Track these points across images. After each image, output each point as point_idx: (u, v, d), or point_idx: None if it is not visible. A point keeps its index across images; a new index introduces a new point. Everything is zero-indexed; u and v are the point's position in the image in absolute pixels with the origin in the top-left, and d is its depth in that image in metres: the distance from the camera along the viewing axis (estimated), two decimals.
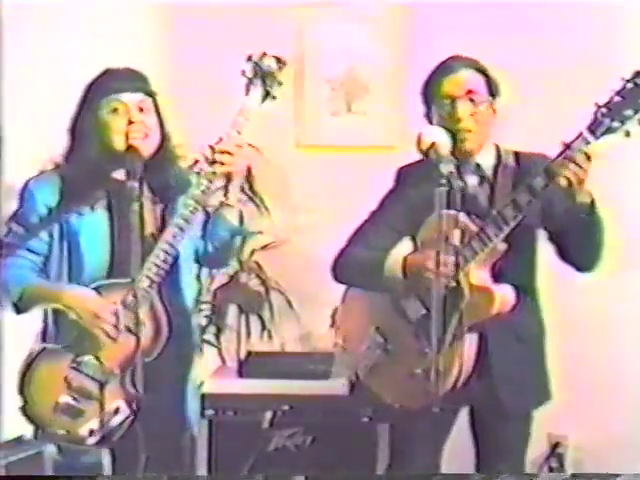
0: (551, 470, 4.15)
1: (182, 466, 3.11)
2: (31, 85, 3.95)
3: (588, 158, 2.77)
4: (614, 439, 4.07)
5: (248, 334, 4.26)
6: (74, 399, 2.93)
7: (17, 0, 3.86)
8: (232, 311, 4.24)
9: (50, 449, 3.02)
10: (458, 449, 3.16)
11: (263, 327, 4.27)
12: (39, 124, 3.91)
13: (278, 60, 2.99)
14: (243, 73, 2.99)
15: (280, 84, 2.99)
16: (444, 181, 2.73)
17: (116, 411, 2.92)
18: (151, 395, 2.84)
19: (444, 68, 3.04)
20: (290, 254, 4.27)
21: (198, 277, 3.18)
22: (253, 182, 4.09)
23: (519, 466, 3.14)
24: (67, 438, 2.94)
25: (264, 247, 4.22)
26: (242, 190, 3.10)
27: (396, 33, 4.32)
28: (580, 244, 2.90)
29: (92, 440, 2.92)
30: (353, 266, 3.10)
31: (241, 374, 3.98)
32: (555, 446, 4.21)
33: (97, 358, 2.93)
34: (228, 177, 2.95)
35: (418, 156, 2.98)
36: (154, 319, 2.93)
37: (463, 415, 3.15)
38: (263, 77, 2.97)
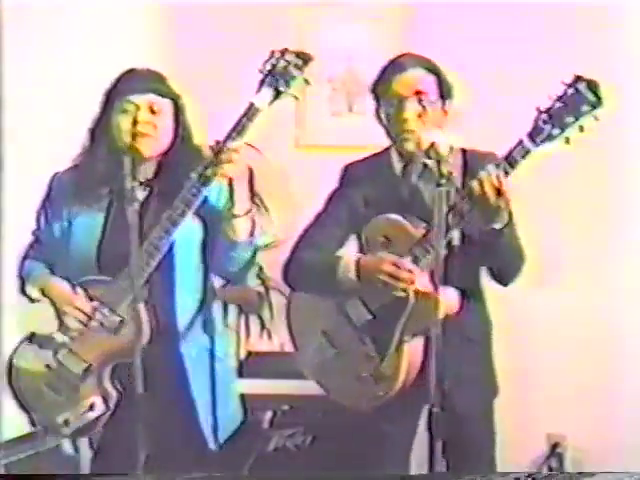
0: (551, 470, 4.16)
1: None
2: (31, 86, 3.95)
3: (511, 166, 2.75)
4: (614, 439, 4.07)
5: (248, 334, 4.26)
6: (51, 387, 2.97)
7: (17, 1, 3.86)
8: (232, 311, 4.24)
9: (66, 446, 3.06)
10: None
11: (263, 327, 4.27)
12: (39, 124, 3.91)
13: (297, 56, 2.90)
14: (261, 71, 2.90)
15: (307, 82, 2.89)
16: (444, 181, 2.70)
17: (91, 407, 2.93)
18: (148, 395, 2.83)
19: (394, 66, 3.00)
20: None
21: (204, 281, 3.08)
22: (253, 182, 4.08)
23: (489, 466, 3.08)
24: (47, 424, 3.00)
25: (264, 247, 4.21)
26: (251, 197, 2.99)
27: (396, 33, 4.32)
28: (495, 260, 2.91)
29: (67, 430, 2.96)
30: (305, 271, 3.08)
31: (241, 374, 3.98)
32: (555, 446, 4.22)
33: (74, 350, 2.95)
34: (230, 184, 2.87)
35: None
36: (136, 320, 2.87)
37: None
38: (277, 76, 2.87)
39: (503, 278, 2.98)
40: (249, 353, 4.11)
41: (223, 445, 3.06)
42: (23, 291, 3.09)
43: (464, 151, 3.01)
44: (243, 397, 3.21)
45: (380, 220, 2.95)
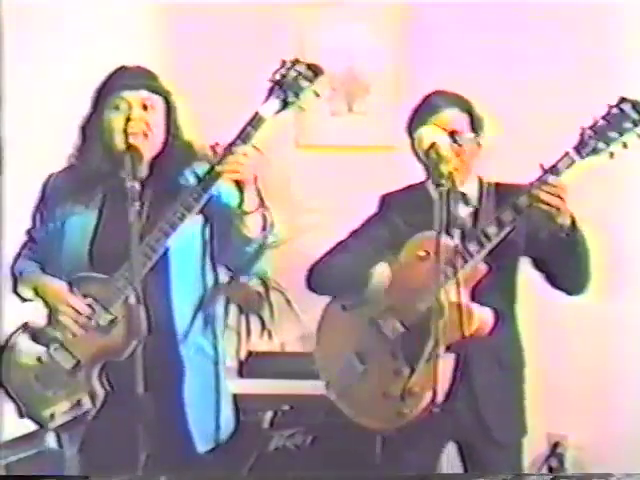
0: (551, 470, 4.16)
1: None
2: (31, 85, 3.95)
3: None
4: (614, 439, 4.07)
5: (248, 334, 4.26)
6: (39, 380, 2.97)
7: (17, 0, 3.86)
8: (232, 311, 4.24)
9: (51, 443, 3.06)
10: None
11: (263, 327, 4.26)
12: (39, 124, 3.91)
13: (308, 67, 2.87)
14: (271, 80, 2.87)
15: (317, 95, 2.88)
16: (443, 181, 2.76)
17: (78, 403, 2.93)
18: (148, 395, 2.80)
19: (429, 106, 3.07)
20: (290, 254, 4.26)
21: (203, 278, 3.05)
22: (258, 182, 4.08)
23: None
24: (33, 416, 2.99)
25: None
26: (259, 195, 2.95)
27: (396, 33, 4.32)
28: (565, 266, 2.93)
29: (52, 424, 2.96)
30: (336, 274, 3.10)
31: (241, 374, 3.98)
32: (555, 446, 4.22)
33: (65, 346, 2.95)
34: (239, 185, 2.86)
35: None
36: (128, 320, 2.86)
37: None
38: (286, 86, 2.86)
39: (577, 284, 3.01)
40: (249, 353, 4.10)
41: (215, 449, 3.02)
42: (15, 290, 3.08)
43: (497, 185, 3.10)
44: (237, 404, 3.16)
45: (420, 236, 2.99)
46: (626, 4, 4.02)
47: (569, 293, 3.03)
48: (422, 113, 3.07)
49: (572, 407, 4.09)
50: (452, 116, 3.04)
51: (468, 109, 3.07)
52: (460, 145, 3.01)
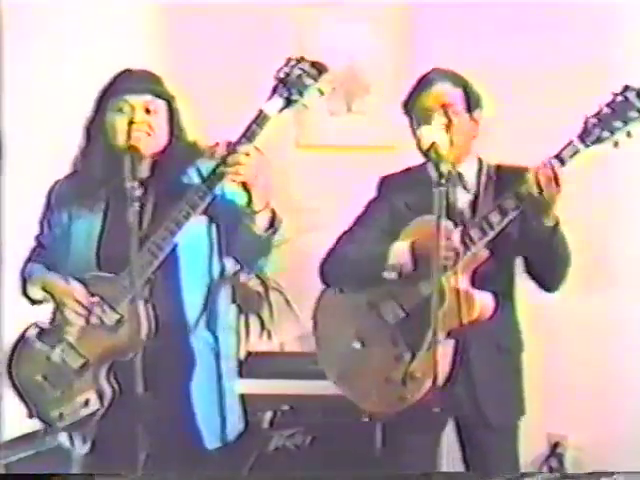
0: (551, 470, 4.16)
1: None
2: (31, 86, 3.95)
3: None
4: (614, 439, 4.07)
5: (247, 334, 4.26)
6: (48, 379, 2.98)
7: (17, 0, 3.86)
8: (232, 311, 4.23)
9: (64, 442, 3.06)
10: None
11: (262, 327, 4.27)
12: (39, 124, 3.91)
13: (313, 65, 2.89)
14: (276, 78, 2.88)
15: (321, 93, 2.89)
16: (443, 181, 2.75)
17: (86, 402, 2.94)
18: (151, 394, 2.81)
19: (423, 82, 3.07)
20: (290, 254, 4.26)
21: (210, 276, 3.05)
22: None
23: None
24: (42, 416, 2.99)
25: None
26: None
27: (396, 33, 4.33)
28: (542, 263, 2.94)
29: (61, 424, 2.97)
30: (346, 265, 3.09)
31: (240, 374, 3.97)
32: (555, 446, 4.22)
33: (73, 345, 2.96)
34: (245, 185, 2.85)
35: (418, 156, 3.02)
36: (135, 319, 2.86)
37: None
38: (290, 84, 2.87)
39: (551, 283, 3.02)
40: (249, 353, 4.10)
41: (223, 447, 3.02)
42: (25, 293, 3.09)
43: (498, 166, 3.10)
44: (244, 401, 3.16)
45: (421, 221, 2.99)
46: (626, 4, 4.03)
47: (542, 286, 3.02)
48: (416, 89, 3.07)
49: (572, 407, 4.09)
50: (444, 90, 3.04)
51: (463, 85, 3.07)
52: (449, 119, 3.00)
